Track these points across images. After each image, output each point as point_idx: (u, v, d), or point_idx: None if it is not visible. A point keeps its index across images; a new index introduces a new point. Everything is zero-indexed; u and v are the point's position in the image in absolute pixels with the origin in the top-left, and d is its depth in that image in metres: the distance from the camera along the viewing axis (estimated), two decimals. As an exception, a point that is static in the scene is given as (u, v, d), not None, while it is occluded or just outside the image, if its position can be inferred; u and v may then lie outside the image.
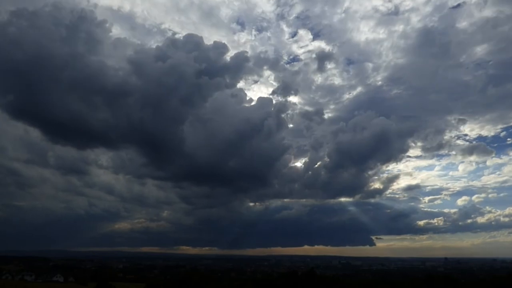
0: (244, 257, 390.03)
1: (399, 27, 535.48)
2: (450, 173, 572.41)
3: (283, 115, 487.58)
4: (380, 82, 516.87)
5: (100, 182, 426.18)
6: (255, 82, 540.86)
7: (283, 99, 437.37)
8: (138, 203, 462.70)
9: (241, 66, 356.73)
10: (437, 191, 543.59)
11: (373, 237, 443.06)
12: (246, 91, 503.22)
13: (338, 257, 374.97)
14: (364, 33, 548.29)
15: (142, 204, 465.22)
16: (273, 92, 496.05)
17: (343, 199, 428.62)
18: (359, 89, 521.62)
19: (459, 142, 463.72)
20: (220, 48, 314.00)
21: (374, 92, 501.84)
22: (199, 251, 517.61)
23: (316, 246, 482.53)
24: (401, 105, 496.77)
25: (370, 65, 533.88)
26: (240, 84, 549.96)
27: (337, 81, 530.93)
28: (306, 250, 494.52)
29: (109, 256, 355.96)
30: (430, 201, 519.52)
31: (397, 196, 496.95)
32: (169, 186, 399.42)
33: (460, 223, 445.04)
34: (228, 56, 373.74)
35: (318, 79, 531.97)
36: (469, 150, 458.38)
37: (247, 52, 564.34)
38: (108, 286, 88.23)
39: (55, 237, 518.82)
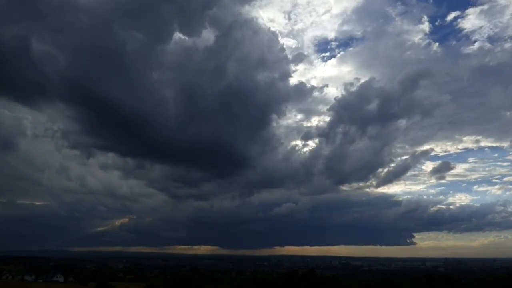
0: (244, 257, 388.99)
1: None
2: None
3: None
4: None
5: (46, 161, 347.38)
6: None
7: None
8: (109, 194, 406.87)
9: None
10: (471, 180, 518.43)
11: (415, 235, 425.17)
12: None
13: (338, 257, 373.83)
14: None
15: (114, 196, 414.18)
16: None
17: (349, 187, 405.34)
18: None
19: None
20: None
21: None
22: (193, 251, 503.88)
23: (316, 247, 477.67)
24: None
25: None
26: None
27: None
28: (307, 250, 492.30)
29: (109, 256, 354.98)
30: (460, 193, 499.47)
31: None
32: (131, 165, 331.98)
33: (475, 220, 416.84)
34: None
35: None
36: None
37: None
38: (108, 286, 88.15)
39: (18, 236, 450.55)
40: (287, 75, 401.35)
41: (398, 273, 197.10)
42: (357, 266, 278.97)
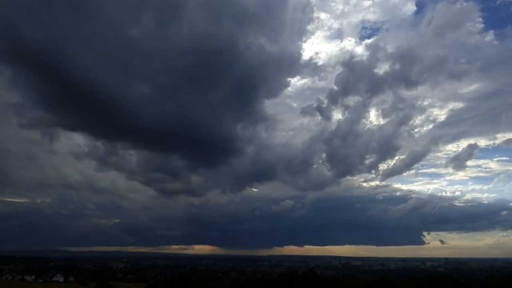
0: (244, 257, 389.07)
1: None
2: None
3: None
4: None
5: (5, 147, 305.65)
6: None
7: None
8: (91, 189, 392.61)
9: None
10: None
11: (425, 233, 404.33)
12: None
13: (338, 257, 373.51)
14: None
15: (98, 191, 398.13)
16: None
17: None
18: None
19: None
20: None
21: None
22: (193, 251, 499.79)
23: (318, 246, 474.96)
24: None
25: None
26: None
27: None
28: (307, 250, 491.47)
29: (108, 256, 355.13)
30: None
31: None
32: (102, 150, 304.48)
33: (483, 219, 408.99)
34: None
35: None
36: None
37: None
38: (108, 286, 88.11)
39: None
40: (298, 49, 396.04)
41: (398, 273, 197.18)
42: (357, 266, 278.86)
